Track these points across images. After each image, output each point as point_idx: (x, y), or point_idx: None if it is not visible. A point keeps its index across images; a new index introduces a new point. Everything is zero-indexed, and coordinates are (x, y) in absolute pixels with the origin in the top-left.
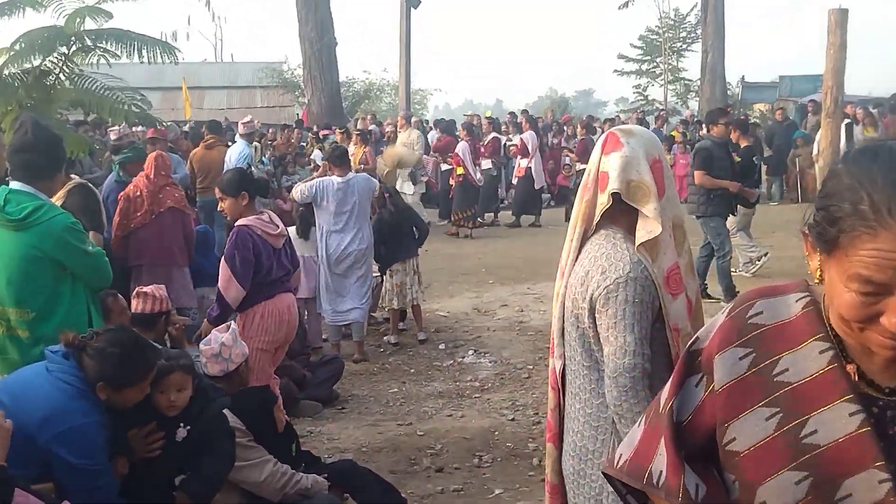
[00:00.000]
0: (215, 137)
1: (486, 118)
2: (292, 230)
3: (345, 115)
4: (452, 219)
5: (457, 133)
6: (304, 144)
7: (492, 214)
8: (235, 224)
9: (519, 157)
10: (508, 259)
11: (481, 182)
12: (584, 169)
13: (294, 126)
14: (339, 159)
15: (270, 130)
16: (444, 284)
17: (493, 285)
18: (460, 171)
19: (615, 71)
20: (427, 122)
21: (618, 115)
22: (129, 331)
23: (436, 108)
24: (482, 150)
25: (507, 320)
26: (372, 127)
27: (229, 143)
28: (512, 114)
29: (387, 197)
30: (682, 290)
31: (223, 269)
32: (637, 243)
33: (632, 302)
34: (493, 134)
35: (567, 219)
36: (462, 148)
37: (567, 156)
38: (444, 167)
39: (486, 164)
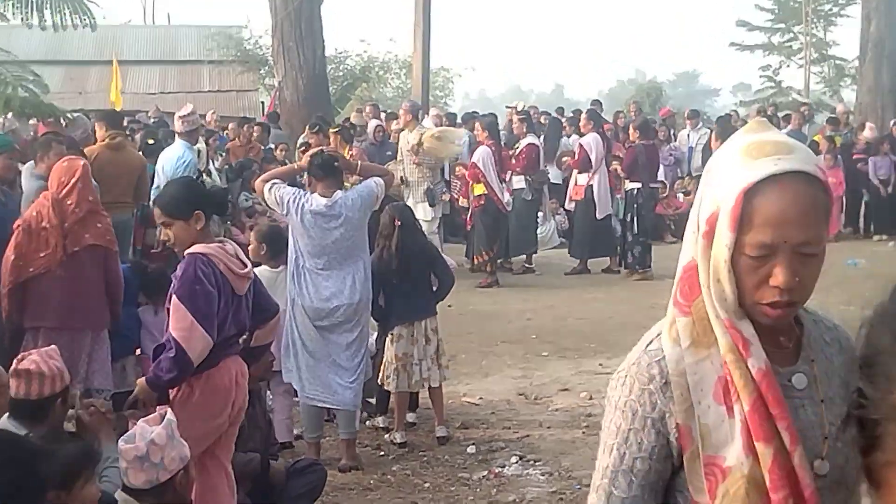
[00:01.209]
0: (117, 134)
1: (518, 113)
2: (261, 271)
3: (331, 105)
4: (474, 260)
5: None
6: (275, 147)
7: (520, 256)
8: (187, 252)
9: (576, 171)
10: (570, 321)
11: (510, 206)
12: (636, 188)
13: (257, 121)
14: (322, 169)
15: (229, 126)
16: (475, 357)
17: (548, 360)
18: (480, 189)
19: (732, 45)
20: (453, 115)
21: (734, 111)
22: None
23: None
24: (512, 160)
25: (568, 412)
26: (373, 122)
27: (157, 143)
28: (559, 110)
29: (396, 225)
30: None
31: (178, 311)
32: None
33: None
34: (529, 138)
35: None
36: (482, 156)
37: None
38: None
39: (518, 181)
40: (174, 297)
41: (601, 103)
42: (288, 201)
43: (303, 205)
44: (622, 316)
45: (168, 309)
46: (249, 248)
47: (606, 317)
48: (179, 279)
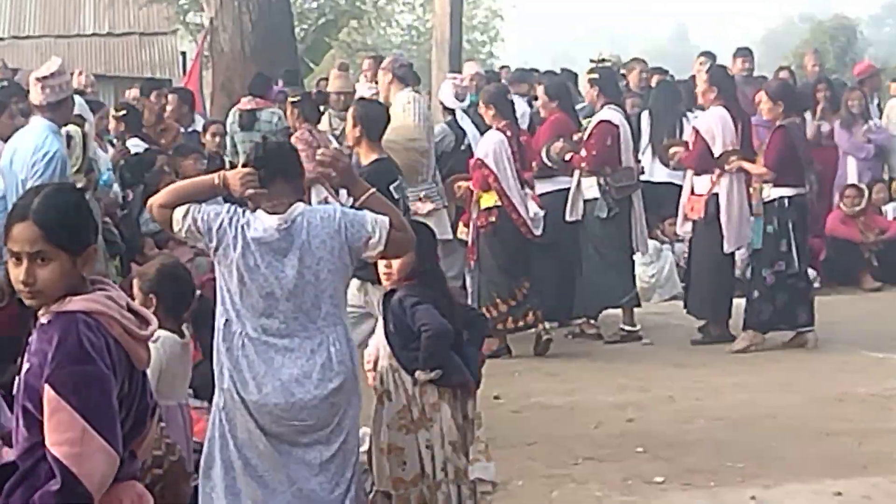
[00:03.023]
0: None
1: (592, 71)
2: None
3: (297, 56)
4: (488, 313)
5: (572, 103)
6: (203, 130)
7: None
8: (61, 310)
9: (691, 170)
10: (698, 423)
11: (538, 226)
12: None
13: (173, 85)
14: (271, 166)
15: (128, 93)
16: (539, 484)
17: (665, 490)
18: (489, 200)
19: None
20: (496, 73)
21: None
22: None
23: (525, 42)
24: (536, 156)
25: None
26: (367, 88)
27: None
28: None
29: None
30: None
31: (58, 412)
32: None
33: None
34: (605, 112)
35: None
36: (492, 147)
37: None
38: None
39: (589, 186)
40: (48, 388)
41: (750, 52)
42: (221, 225)
43: (242, 229)
44: (787, 414)
45: (23, 407)
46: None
47: (760, 415)
48: (54, 357)
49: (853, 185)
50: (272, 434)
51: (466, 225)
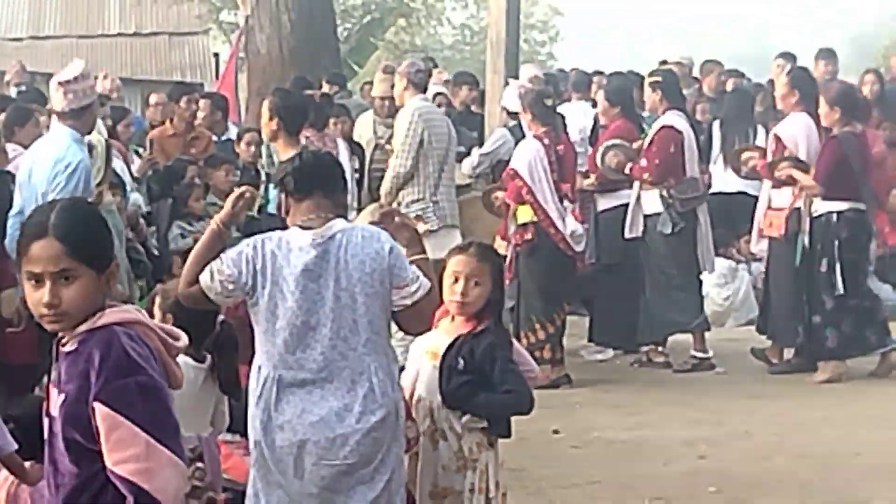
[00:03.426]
0: None
1: (654, 74)
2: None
3: (339, 57)
4: (525, 339)
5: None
6: (237, 139)
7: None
8: (94, 327)
9: (769, 184)
10: (778, 462)
11: (579, 244)
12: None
13: (205, 89)
14: (306, 180)
15: (153, 100)
16: None
17: None
18: (525, 214)
19: None
20: (554, 76)
21: None
22: None
23: (586, 40)
24: (588, 166)
25: None
26: (438, 87)
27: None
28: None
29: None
30: None
31: (116, 429)
32: None
33: None
34: (668, 117)
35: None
36: (528, 157)
37: None
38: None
39: (650, 200)
40: (99, 406)
41: (834, 54)
42: (248, 261)
43: (271, 255)
44: (877, 452)
45: (67, 440)
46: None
47: (847, 453)
48: (100, 374)
49: None
50: (311, 484)
51: (504, 238)
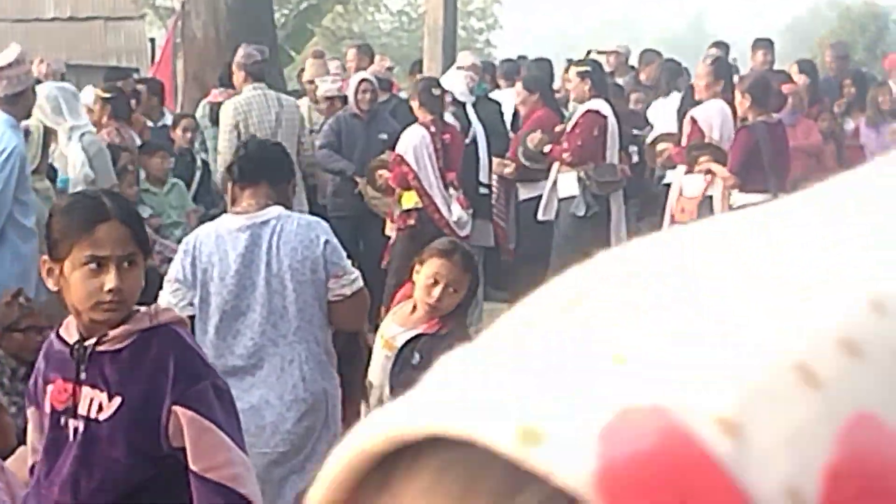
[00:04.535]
0: None
1: (579, 63)
2: None
3: (276, 43)
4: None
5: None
6: (172, 125)
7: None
8: (155, 324)
9: (682, 170)
10: None
11: (464, 228)
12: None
13: (138, 79)
14: (251, 169)
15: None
16: None
17: None
18: (410, 200)
19: None
20: (493, 65)
21: None
22: None
23: (525, 31)
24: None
25: None
26: (354, 77)
27: None
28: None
29: None
30: None
31: (211, 438)
32: None
33: None
34: (592, 103)
35: None
36: (412, 142)
37: None
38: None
39: (567, 182)
40: (183, 410)
41: (771, 43)
42: (189, 262)
43: (200, 247)
44: None
45: (129, 444)
46: None
47: None
48: (177, 377)
49: None
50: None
51: (392, 221)
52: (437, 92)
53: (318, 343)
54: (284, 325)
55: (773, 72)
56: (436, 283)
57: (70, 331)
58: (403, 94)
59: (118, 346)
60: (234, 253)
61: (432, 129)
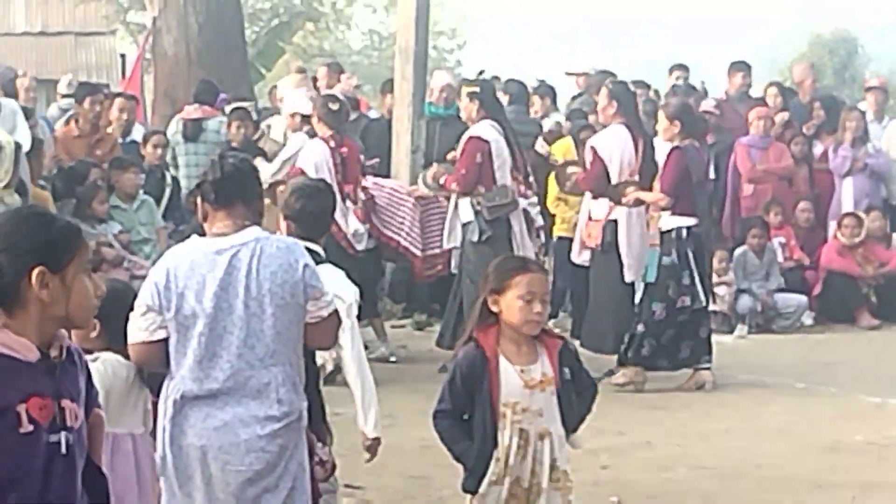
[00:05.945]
0: None
1: (472, 83)
2: (97, 367)
3: (247, 60)
4: None
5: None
6: (143, 142)
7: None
8: None
9: (589, 195)
10: (679, 473)
11: (360, 242)
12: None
13: (112, 89)
14: (225, 189)
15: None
16: None
17: None
18: None
19: None
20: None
21: None
22: None
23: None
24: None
25: None
26: (309, 96)
27: None
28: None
29: None
30: None
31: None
32: None
33: None
34: (479, 128)
35: None
36: (314, 158)
37: None
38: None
39: (464, 208)
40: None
41: (749, 67)
42: (162, 286)
43: (175, 271)
44: (776, 464)
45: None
46: None
47: (748, 464)
48: (89, 379)
49: (852, 214)
50: (218, 490)
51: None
52: (335, 107)
53: (293, 365)
54: (261, 349)
55: (749, 96)
56: (532, 299)
57: (15, 348)
58: (373, 114)
59: (62, 355)
60: (212, 276)
61: (332, 143)
